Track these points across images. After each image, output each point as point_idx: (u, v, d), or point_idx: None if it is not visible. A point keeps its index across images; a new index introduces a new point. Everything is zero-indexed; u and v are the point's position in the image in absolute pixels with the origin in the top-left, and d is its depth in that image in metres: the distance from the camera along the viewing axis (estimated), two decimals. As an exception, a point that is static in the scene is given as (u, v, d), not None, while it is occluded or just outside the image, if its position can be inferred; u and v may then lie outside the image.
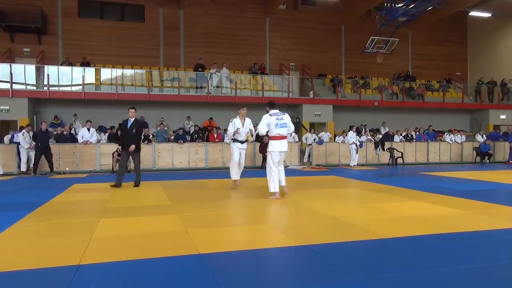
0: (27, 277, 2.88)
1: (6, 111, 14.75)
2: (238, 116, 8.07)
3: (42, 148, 11.51)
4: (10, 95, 14.79)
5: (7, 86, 14.97)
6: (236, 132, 7.81)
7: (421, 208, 5.64)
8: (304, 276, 2.90)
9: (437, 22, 22.11)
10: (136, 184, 8.30)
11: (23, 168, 12.03)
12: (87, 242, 3.77)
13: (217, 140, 14.60)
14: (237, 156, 8.00)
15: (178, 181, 8.96)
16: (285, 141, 6.72)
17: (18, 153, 12.12)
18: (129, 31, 18.84)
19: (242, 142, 8.04)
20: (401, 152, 15.79)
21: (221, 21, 19.94)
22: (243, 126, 7.96)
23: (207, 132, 15.72)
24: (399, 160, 15.65)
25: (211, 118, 17.15)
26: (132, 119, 8.36)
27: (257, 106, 18.14)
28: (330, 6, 21.52)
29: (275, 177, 6.61)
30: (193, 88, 17.85)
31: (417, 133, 17.71)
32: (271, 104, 6.83)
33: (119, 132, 14.35)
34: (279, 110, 6.76)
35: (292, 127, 6.87)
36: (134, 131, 8.23)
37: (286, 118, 6.68)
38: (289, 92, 18.44)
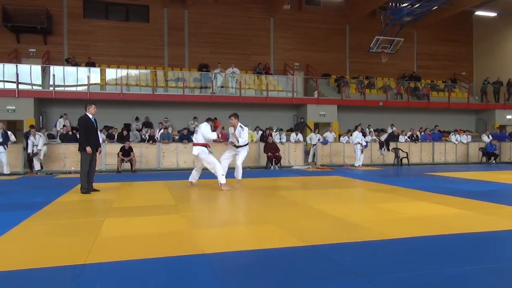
0: (33, 276, 2.89)
1: (12, 111, 14.85)
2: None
3: None
4: (16, 95, 14.89)
5: (13, 86, 15.09)
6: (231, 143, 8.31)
7: (426, 209, 5.61)
8: (310, 276, 2.89)
9: (442, 21, 22.01)
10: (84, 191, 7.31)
11: (37, 167, 12.29)
12: (92, 241, 3.78)
13: (221, 140, 14.57)
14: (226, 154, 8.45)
15: (182, 181, 8.97)
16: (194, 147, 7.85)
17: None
18: (134, 32, 18.91)
19: (236, 147, 8.28)
20: (406, 153, 15.73)
21: (226, 21, 19.97)
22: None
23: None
24: (404, 161, 15.59)
25: (215, 118, 17.16)
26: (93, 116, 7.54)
27: (261, 106, 18.20)
28: (334, 6, 21.48)
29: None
30: (197, 88, 17.89)
31: (422, 133, 17.63)
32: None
33: (124, 132, 14.45)
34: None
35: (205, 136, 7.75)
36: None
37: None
38: (293, 92, 18.43)
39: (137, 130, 15.57)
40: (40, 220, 4.91)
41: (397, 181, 9.53)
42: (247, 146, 8.38)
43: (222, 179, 7.74)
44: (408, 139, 16.87)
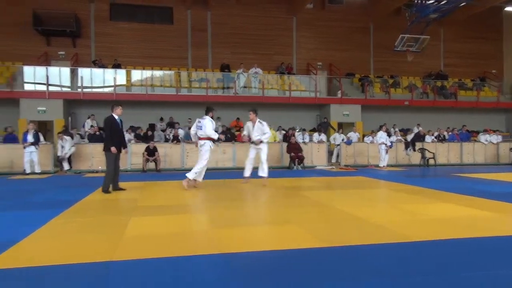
0: (62, 271, 3.00)
1: (43, 112, 15.37)
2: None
3: None
4: (47, 97, 15.41)
5: (43, 88, 15.61)
6: (246, 137, 8.77)
7: (452, 211, 5.48)
8: (332, 277, 2.88)
9: (470, 18, 21.35)
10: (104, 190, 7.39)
11: (66, 167, 12.77)
12: (118, 239, 3.89)
13: (244, 140, 14.65)
14: (251, 154, 8.78)
15: (205, 181, 9.07)
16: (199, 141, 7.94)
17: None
18: (158, 33, 19.22)
19: (256, 144, 8.58)
20: (433, 153, 15.38)
21: (248, 21, 20.03)
22: (253, 130, 8.66)
23: (234, 132, 15.83)
24: (431, 161, 15.24)
25: (238, 118, 17.26)
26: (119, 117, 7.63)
27: (284, 106, 18.17)
28: (358, 4, 21.21)
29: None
30: (220, 89, 18.02)
31: (450, 133, 17.18)
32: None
33: (149, 132, 14.73)
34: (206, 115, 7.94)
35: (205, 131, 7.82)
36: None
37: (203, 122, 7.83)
38: (316, 92, 18.31)
39: (161, 130, 15.82)
40: (69, 218, 5.07)
41: (423, 182, 9.33)
42: (267, 140, 8.61)
43: (191, 175, 7.80)
44: (434, 139, 16.48)
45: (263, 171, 8.59)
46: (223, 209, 5.74)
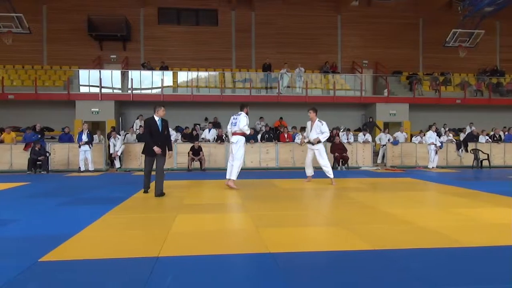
0: (112, 265, 3.15)
1: (96, 113, 16.21)
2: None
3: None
4: (100, 99, 16.24)
5: (97, 90, 16.47)
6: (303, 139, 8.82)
7: (508, 216, 5.16)
8: (376, 281, 2.81)
9: (530, 10, 19.93)
10: (157, 193, 6.96)
11: (117, 165, 13.52)
12: (165, 235, 4.02)
13: (287, 140, 14.63)
14: (308, 156, 8.77)
15: (249, 180, 9.16)
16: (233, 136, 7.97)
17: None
18: (203, 35, 19.65)
19: (313, 143, 8.49)
20: (487, 154, 14.54)
21: (292, 21, 19.96)
22: (310, 130, 8.58)
23: (277, 132, 15.83)
24: (485, 163, 14.42)
25: (281, 118, 17.25)
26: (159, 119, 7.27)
27: (328, 106, 17.91)
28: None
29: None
30: (263, 89, 18.10)
31: (506, 133, 16.16)
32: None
33: (194, 132, 15.07)
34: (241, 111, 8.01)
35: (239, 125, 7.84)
36: (165, 132, 7.30)
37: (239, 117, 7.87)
38: (361, 91, 17.90)
39: (201, 129, 16.10)
40: (119, 214, 5.32)
41: (476, 185, 8.85)
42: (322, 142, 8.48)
43: (234, 176, 7.83)
44: (489, 140, 15.57)
45: (328, 174, 8.49)
46: (267, 209, 5.77)
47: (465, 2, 16.97)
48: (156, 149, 6.94)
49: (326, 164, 8.45)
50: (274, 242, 3.79)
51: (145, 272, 2.94)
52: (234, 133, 7.95)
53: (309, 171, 8.88)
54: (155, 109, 7.24)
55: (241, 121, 7.78)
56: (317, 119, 8.48)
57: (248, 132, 7.95)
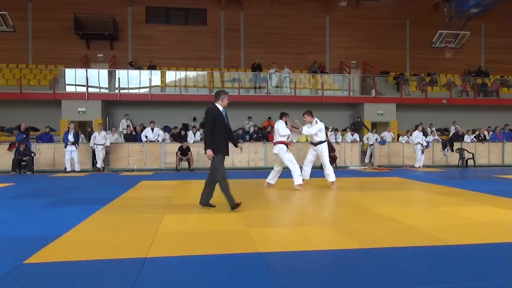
0: (99, 266, 3.11)
1: (83, 112, 16.00)
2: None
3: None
4: (86, 98, 16.03)
5: (83, 89, 16.25)
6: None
7: (493, 214, 5.24)
8: (365, 280, 2.83)
9: (514, 12, 20.31)
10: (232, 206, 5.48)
11: (99, 164, 13.15)
12: (153, 236, 3.99)
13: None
14: (309, 156, 8.50)
15: (237, 180, 9.14)
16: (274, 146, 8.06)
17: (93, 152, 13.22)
18: (192, 35, 19.54)
19: (315, 144, 8.29)
20: (472, 153, 14.76)
21: (281, 21, 19.99)
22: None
23: (266, 132, 15.82)
24: (470, 162, 14.64)
25: (269, 118, 17.26)
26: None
27: (316, 106, 17.96)
28: (394, 0, 20.66)
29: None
30: (252, 88, 18.09)
31: (491, 132, 16.43)
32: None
33: (182, 132, 14.98)
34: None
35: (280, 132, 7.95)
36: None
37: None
38: (350, 91, 18.02)
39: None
40: (106, 214, 5.26)
41: (462, 184, 8.97)
42: (326, 142, 8.32)
43: (298, 180, 7.75)
44: (474, 139, 15.82)
45: (330, 176, 8.21)
46: (255, 209, 5.75)
47: (452, 4, 17.18)
48: (209, 152, 5.53)
49: (329, 167, 8.30)
50: (263, 242, 3.78)
51: (132, 273, 2.91)
52: (275, 143, 7.98)
53: (305, 175, 8.36)
54: (219, 97, 5.69)
55: (279, 129, 7.89)
56: (315, 119, 8.27)
57: (284, 138, 7.92)
